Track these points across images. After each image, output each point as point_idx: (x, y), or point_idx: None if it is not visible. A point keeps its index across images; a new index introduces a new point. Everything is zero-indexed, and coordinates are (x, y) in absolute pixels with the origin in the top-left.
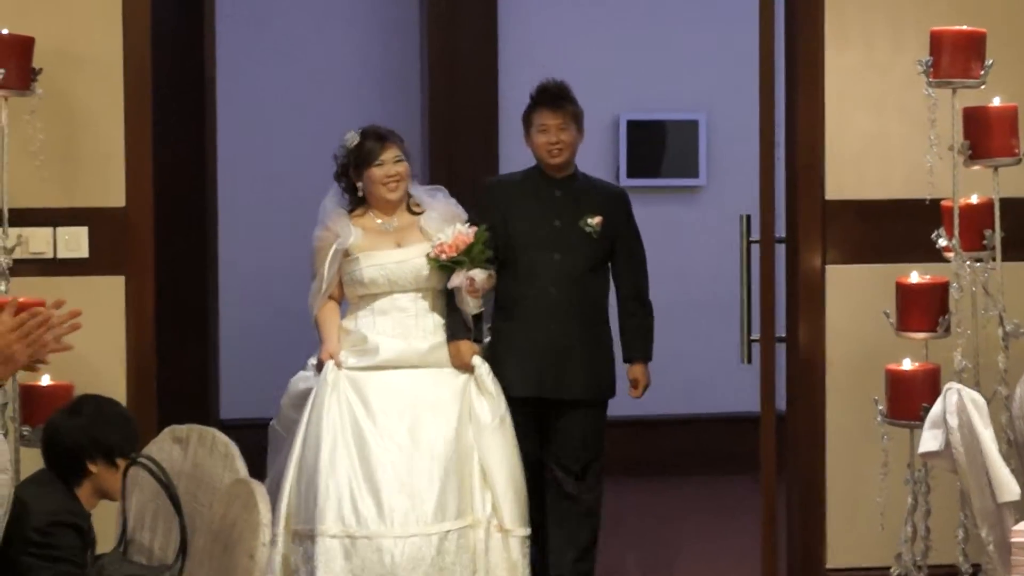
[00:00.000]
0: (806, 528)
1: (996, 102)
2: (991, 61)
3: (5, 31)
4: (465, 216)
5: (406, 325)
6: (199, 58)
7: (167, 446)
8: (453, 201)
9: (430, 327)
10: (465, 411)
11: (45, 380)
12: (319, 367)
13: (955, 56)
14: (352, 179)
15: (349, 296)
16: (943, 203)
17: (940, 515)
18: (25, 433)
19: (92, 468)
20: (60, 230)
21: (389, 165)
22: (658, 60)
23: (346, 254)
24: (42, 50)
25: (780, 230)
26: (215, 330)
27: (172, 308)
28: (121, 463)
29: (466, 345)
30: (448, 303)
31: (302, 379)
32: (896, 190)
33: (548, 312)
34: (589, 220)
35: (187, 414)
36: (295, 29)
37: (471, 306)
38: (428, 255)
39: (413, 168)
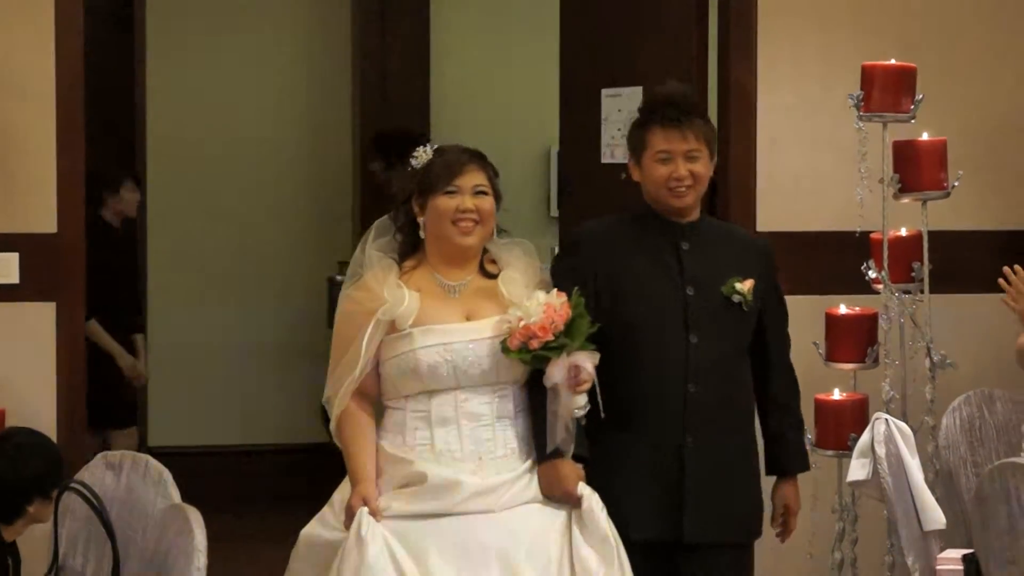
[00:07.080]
0: None
1: (925, 136)
2: (921, 96)
3: None
4: (551, 283)
5: (480, 441)
6: (131, 85)
7: (100, 472)
8: (538, 262)
9: (513, 443)
10: (567, 563)
11: None
12: (348, 518)
13: (885, 90)
14: (413, 212)
15: (388, 395)
16: (872, 235)
17: (867, 543)
18: None
19: (30, 509)
20: None
21: (466, 196)
22: None
23: (391, 327)
24: None
25: None
26: (144, 356)
27: None
28: (54, 493)
29: (568, 466)
30: (534, 406)
31: (324, 525)
32: (827, 222)
33: (684, 418)
34: (737, 285)
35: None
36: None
37: (576, 405)
38: (504, 344)
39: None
